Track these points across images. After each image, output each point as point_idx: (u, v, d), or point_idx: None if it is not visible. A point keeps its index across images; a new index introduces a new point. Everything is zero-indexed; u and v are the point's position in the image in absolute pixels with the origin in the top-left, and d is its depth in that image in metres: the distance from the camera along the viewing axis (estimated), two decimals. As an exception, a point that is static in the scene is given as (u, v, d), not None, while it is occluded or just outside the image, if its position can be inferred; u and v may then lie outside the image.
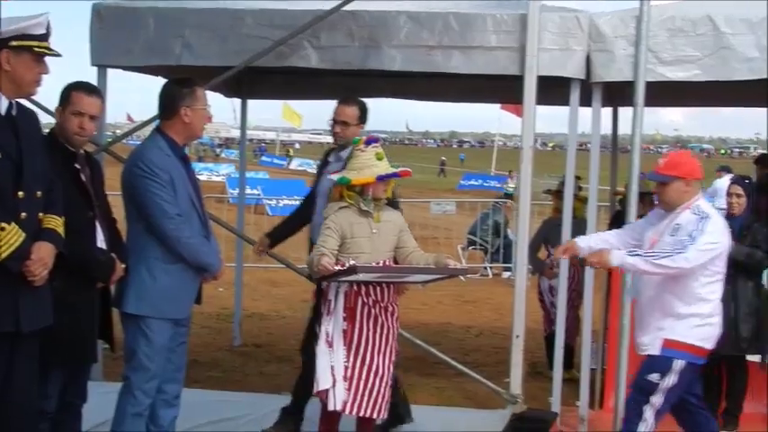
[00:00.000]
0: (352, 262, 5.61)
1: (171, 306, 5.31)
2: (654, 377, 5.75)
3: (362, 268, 5.57)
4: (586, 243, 6.12)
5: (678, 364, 5.74)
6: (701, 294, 5.74)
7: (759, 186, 9.83)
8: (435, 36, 7.16)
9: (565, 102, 7.30)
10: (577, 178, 9.58)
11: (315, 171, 7.24)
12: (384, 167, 5.82)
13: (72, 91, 5.01)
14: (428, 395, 8.39)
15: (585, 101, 7.33)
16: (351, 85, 9.22)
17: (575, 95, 7.17)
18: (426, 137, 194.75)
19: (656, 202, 5.99)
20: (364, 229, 5.81)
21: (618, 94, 8.14)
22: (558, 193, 9.22)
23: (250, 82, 9.35)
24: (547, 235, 9.31)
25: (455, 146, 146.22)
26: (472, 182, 49.34)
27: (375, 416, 5.92)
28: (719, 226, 5.75)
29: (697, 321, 5.75)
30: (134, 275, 5.16)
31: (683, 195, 5.80)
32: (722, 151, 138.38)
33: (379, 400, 5.86)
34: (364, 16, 7.27)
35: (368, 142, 5.86)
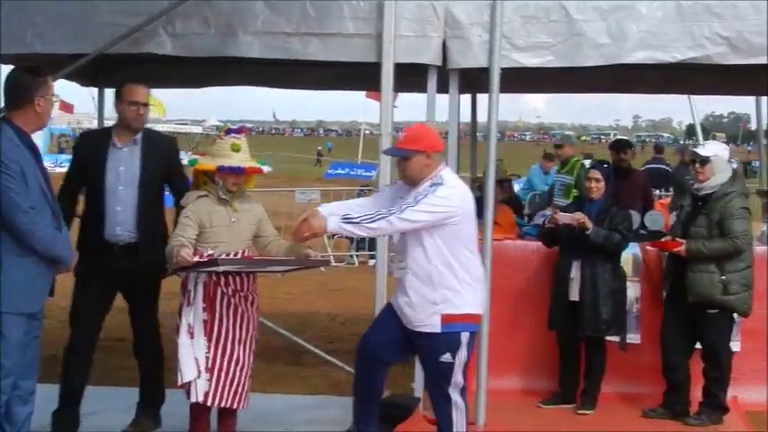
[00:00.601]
0: (210, 252, 5.56)
1: (24, 300, 5.16)
2: (447, 357, 5.66)
3: (223, 261, 5.53)
4: (328, 211, 5.80)
5: (465, 336, 5.70)
6: (464, 263, 5.67)
7: (615, 171, 10.13)
8: (293, 23, 7.12)
9: (424, 89, 7.33)
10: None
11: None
12: (238, 159, 5.75)
13: None
14: (294, 384, 8.39)
15: (445, 88, 7.38)
16: (211, 73, 9.13)
17: (432, 82, 7.20)
18: (293, 126, 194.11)
19: (403, 178, 5.82)
20: (223, 217, 5.76)
21: (476, 81, 8.23)
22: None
23: (108, 71, 9.12)
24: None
25: (322, 135, 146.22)
26: (339, 171, 49.38)
27: (236, 406, 5.90)
28: (451, 192, 5.63)
29: (469, 290, 5.69)
30: None
31: (425, 169, 5.69)
32: (583, 138, 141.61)
33: (240, 390, 5.85)
34: (220, 4, 7.18)
35: (228, 132, 5.81)
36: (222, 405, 5.83)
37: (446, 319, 5.64)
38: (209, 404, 5.79)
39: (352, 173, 46.94)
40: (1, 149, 5.10)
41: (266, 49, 7.17)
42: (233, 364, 5.81)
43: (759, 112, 11.54)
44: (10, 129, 5.21)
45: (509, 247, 8.36)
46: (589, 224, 7.50)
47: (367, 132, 64.30)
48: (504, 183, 10.29)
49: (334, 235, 17.90)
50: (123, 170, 6.39)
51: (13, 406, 5.32)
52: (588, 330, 7.64)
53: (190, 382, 5.73)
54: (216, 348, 5.78)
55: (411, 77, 7.26)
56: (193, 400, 5.76)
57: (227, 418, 6.02)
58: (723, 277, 7.29)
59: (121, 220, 6.35)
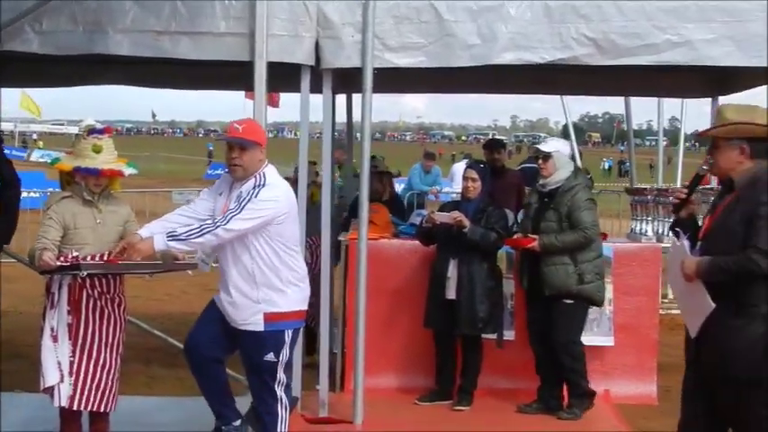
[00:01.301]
0: (75, 254, 5.45)
1: None
2: (270, 356, 5.69)
3: (86, 265, 5.43)
4: (149, 230, 5.73)
5: (288, 335, 5.75)
6: (287, 262, 5.71)
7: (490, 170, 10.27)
8: (163, 21, 7.00)
9: (298, 89, 7.30)
10: (313, 164, 9.67)
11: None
12: (99, 161, 5.65)
13: None
14: (171, 386, 8.30)
15: (320, 88, 7.36)
16: (85, 72, 8.95)
17: (305, 82, 7.17)
18: (173, 126, 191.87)
19: (233, 168, 5.76)
20: (87, 219, 5.66)
21: (352, 81, 8.24)
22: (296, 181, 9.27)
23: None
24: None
25: (202, 135, 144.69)
26: (219, 171, 48.90)
27: (103, 409, 5.80)
28: (275, 194, 5.65)
29: (292, 288, 5.74)
30: None
31: (258, 164, 5.72)
32: (462, 138, 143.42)
33: (107, 393, 5.77)
34: (88, 2, 7.02)
35: (91, 132, 5.69)
36: (88, 409, 5.75)
37: (269, 318, 5.67)
38: (74, 408, 5.69)
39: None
40: None
41: (136, 48, 7.03)
42: (99, 367, 5.72)
43: (628, 112, 11.83)
44: None
45: (385, 247, 8.40)
46: (466, 223, 7.60)
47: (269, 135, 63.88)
48: (384, 176, 10.32)
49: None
50: None
51: None
52: (465, 329, 7.73)
53: (53, 387, 5.61)
54: (81, 352, 5.67)
55: (289, 77, 7.24)
56: (56, 404, 5.66)
57: (98, 421, 5.93)
58: (577, 267, 7.49)
59: None
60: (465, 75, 8.19)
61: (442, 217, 7.74)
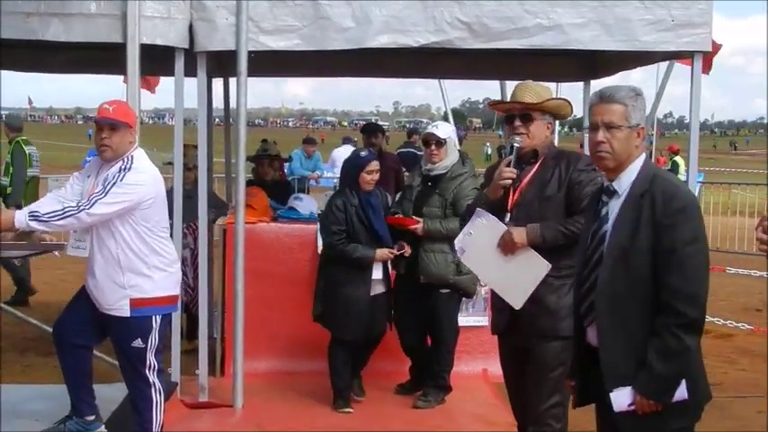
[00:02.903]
0: None
1: None
2: (138, 343, 5.68)
3: None
4: (28, 208, 5.66)
5: (156, 320, 5.74)
6: (154, 247, 5.70)
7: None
8: (32, 2, 6.85)
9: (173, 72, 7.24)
10: (194, 148, 9.59)
11: None
12: None
13: None
14: (48, 374, 8.16)
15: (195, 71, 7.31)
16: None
17: (179, 65, 7.10)
18: (51, 113, 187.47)
19: (101, 149, 5.69)
20: None
21: (229, 65, 8.19)
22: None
23: None
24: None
25: (80, 122, 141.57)
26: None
27: None
28: (141, 178, 5.62)
29: (159, 274, 5.73)
30: None
31: (127, 145, 5.69)
32: (344, 123, 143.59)
33: None
34: (-47, -18, 6.83)
35: None
36: None
37: (135, 304, 5.65)
38: None
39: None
40: None
41: (5, 30, 6.85)
42: None
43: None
44: None
45: (264, 230, 8.38)
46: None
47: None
48: (275, 161, 10.34)
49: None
50: None
51: None
52: None
53: None
54: None
55: (165, 61, 7.17)
56: None
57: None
58: (455, 257, 7.50)
59: None
60: (346, 59, 8.23)
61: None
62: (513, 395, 5.45)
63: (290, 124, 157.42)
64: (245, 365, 7.46)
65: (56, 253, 6.47)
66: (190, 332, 8.99)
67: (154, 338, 5.69)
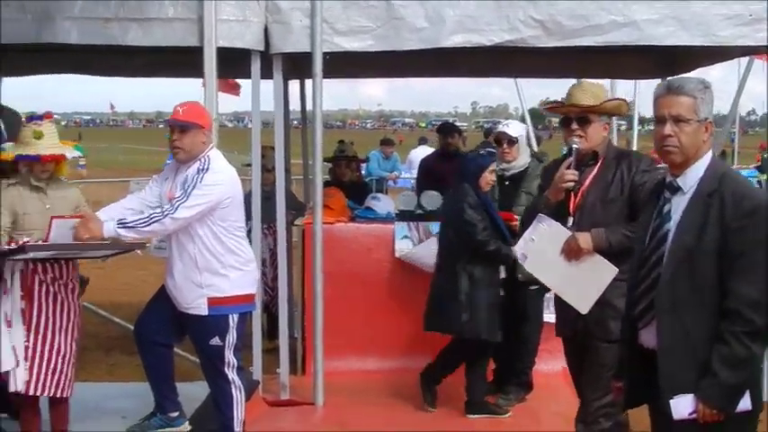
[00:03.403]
0: (26, 239, 5.46)
1: None
2: (216, 341, 5.77)
3: (32, 247, 5.44)
4: (107, 215, 5.87)
5: (233, 319, 5.82)
6: (230, 247, 5.79)
7: (441, 154, 10.37)
8: (111, 8, 6.98)
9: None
10: (271, 149, 9.69)
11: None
12: (41, 147, 5.66)
13: None
14: (131, 373, 8.34)
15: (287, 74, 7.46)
16: (32, 62, 8.92)
17: (255, 67, 7.20)
18: (132, 117, 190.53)
19: (174, 151, 5.86)
20: (36, 204, 5.69)
21: (306, 67, 8.27)
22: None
23: None
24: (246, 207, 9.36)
25: (161, 126, 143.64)
26: (178, 161, 48.63)
27: (59, 394, 5.82)
28: (220, 178, 5.74)
29: (235, 272, 5.82)
30: None
31: (201, 146, 5.80)
32: (422, 124, 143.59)
33: (62, 379, 5.80)
34: (37, -11, 6.99)
35: (30, 119, 5.71)
36: (44, 394, 5.78)
37: (212, 303, 5.75)
38: (30, 393, 5.71)
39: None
40: None
41: (85, 36, 7.00)
42: (54, 352, 5.74)
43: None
44: None
45: (341, 230, 8.45)
46: None
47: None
48: (351, 161, 10.43)
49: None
50: None
51: None
52: None
53: (8, 372, 5.63)
54: (35, 337, 5.70)
55: (235, 62, 7.26)
56: (12, 389, 5.68)
57: (56, 406, 5.95)
58: None
59: None
60: (421, 58, 8.24)
61: None
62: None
63: (368, 126, 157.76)
64: (326, 364, 7.53)
65: (138, 251, 6.60)
66: (271, 332, 9.10)
67: (231, 336, 5.78)
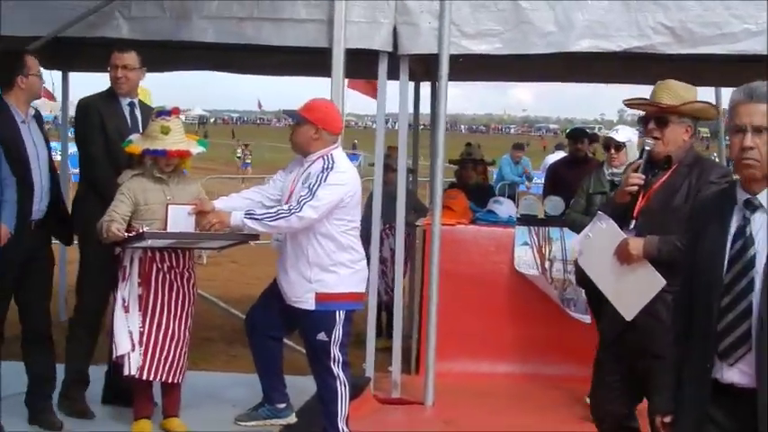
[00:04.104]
0: (145, 228, 5.64)
1: None
2: (322, 336, 5.81)
3: (151, 234, 5.61)
4: (225, 204, 6.02)
5: (339, 315, 5.84)
6: (342, 243, 5.82)
7: (570, 160, 10.28)
8: (246, 8, 7.21)
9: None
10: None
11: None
12: (168, 142, 5.82)
13: None
14: (250, 364, 8.40)
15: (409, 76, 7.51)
16: (170, 58, 9.20)
17: (383, 68, 7.30)
18: (278, 116, 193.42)
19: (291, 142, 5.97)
20: (158, 196, 5.85)
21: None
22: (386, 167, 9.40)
23: (70, 54, 9.20)
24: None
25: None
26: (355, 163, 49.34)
27: (171, 380, 5.98)
28: (343, 178, 5.77)
29: (345, 270, 5.84)
30: None
31: (311, 142, 5.81)
32: (567, 131, 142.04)
33: (176, 364, 5.94)
34: (175, -12, 7.24)
35: (158, 114, 5.88)
36: (157, 379, 5.93)
37: (321, 298, 5.80)
38: (144, 378, 5.87)
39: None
40: None
41: (220, 34, 7.26)
42: (168, 338, 5.89)
43: (719, 104, 11.62)
44: None
45: (461, 232, 8.48)
46: None
47: (352, 123, 64.30)
48: (478, 164, 10.47)
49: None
50: None
51: None
52: None
53: (124, 356, 5.82)
54: (151, 323, 5.86)
55: (363, 64, 7.38)
56: (126, 373, 5.85)
57: (169, 392, 6.11)
58: None
59: None
60: (552, 62, 8.19)
61: None
62: (601, 402, 5.17)
63: (512, 131, 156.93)
64: (440, 365, 7.58)
65: (251, 243, 6.75)
66: (390, 330, 9.17)
67: (338, 332, 5.83)
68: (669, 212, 4.80)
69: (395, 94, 7.59)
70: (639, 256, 4.80)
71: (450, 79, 7.23)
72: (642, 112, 5.11)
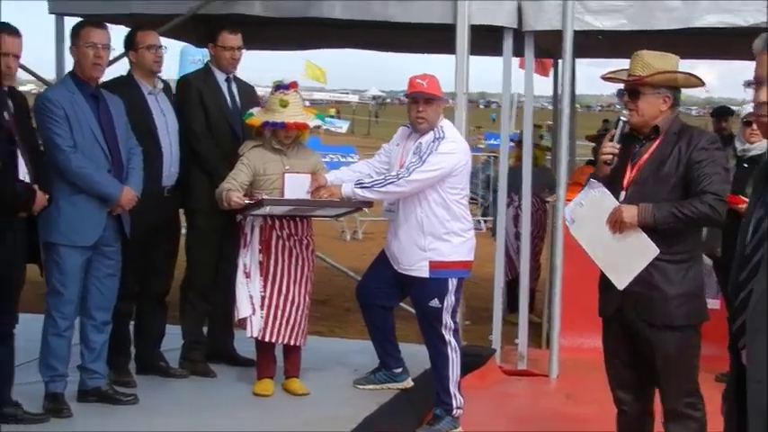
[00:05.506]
0: (264, 196, 5.92)
1: (75, 233, 5.58)
2: (435, 303, 5.96)
3: (269, 201, 5.88)
4: (336, 177, 6.23)
5: (452, 283, 5.98)
6: (455, 212, 5.95)
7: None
8: (369, -16, 7.35)
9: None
10: (538, 127, 9.85)
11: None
12: (286, 114, 6.05)
13: None
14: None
15: (539, 53, 7.70)
16: (305, 36, 9.47)
17: (507, 45, 7.39)
18: (454, 98, 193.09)
19: (418, 121, 6.02)
20: (277, 166, 6.11)
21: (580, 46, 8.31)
22: (519, 143, 9.49)
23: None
24: (510, 182, 9.57)
25: (482, 106, 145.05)
26: (492, 141, 49.09)
27: (292, 342, 6.24)
28: (454, 147, 5.92)
29: (457, 239, 5.97)
30: (49, 206, 5.42)
31: (438, 117, 6.01)
32: (712, 110, 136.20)
33: (296, 327, 6.20)
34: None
35: (277, 88, 6.14)
36: (278, 341, 6.21)
37: (434, 266, 5.96)
38: (266, 340, 6.16)
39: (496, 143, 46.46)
40: (49, 95, 5.66)
41: (348, 11, 7.46)
42: (288, 302, 6.15)
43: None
44: (70, 79, 5.77)
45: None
46: None
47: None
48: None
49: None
50: None
51: (89, 333, 5.86)
52: None
53: (245, 319, 6.13)
54: (272, 287, 6.13)
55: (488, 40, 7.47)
56: (249, 335, 6.16)
57: (290, 354, 6.40)
58: None
59: None
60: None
61: None
62: (615, 375, 5.14)
63: (693, 113, 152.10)
64: (570, 340, 7.68)
65: (365, 210, 6.96)
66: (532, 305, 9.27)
67: (450, 300, 6.00)
68: (660, 181, 4.76)
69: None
70: (633, 224, 4.72)
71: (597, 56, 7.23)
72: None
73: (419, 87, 6.00)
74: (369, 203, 6.28)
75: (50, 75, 8.85)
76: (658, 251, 4.71)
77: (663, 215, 4.70)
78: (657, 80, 4.84)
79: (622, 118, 4.91)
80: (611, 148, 4.84)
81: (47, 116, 5.53)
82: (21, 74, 9.16)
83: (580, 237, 5.12)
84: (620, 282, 4.85)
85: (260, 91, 7.21)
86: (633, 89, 4.87)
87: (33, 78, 9.35)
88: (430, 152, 5.85)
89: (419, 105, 5.99)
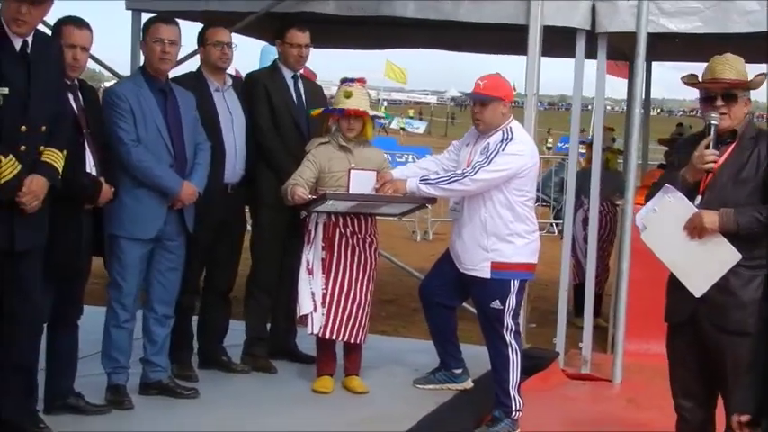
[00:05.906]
0: (328, 191, 5.95)
1: (135, 226, 5.67)
2: (496, 304, 5.91)
3: (332, 195, 5.91)
4: (401, 173, 6.23)
5: (514, 284, 5.93)
6: (519, 214, 5.90)
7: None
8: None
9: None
10: (611, 130, 9.75)
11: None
12: (348, 104, 6.09)
13: (62, 25, 5.31)
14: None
15: (614, 55, 7.63)
16: (377, 36, 9.48)
17: (580, 47, 7.32)
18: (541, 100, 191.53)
19: (475, 123, 6.04)
20: (342, 163, 6.14)
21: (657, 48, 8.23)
22: (590, 146, 9.41)
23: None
24: (580, 185, 9.50)
25: (563, 109, 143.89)
26: (565, 145, 48.79)
27: (353, 340, 6.26)
28: (521, 148, 5.87)
29: (520, 240, 5.92)
30: (114, 199, 5.49)
31: (500, 118, 5.92)
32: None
33: (357, 325, 6.21)
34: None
35: (343, 81, 6.19)
36: (338, 338, 6.23)
37: (496, 267, 5.91)
38: (326, 337, 6.19)
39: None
40: (116, 89, 5.78)
41: (420, 10, 7.46)
42: (349, 300, 6.17)
43: None
44: (140, 73, 5.89)
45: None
46: None
47: (608, 108, 62.89)
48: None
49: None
50: None
51: (151, 326, 5.96)
52: None
53: (306, 316, 6.16)
54: (333, 285, 6.15)
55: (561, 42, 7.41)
56: (310, 332, 6.20)
57: (351, 351, 6.42)
58: None
59: None
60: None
61: None
62: (678, 382, 5.03)
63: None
64: (636, 345, 7.59)
65: (428, 206, 6.94)
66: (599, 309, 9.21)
67: (511, 301, 5.96)
68: (738, 185, 4.69)
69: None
70: (714, 230, 4.64)
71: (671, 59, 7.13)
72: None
73: (476, 89, 6.00)
74: (432, 200, 6.26)
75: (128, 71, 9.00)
76: (740, 257, 4.63)
77: (746, 220, 4.62)
78: (757, 83, 4.84)
79: (713, 122, 4.79)
80: (711, 155, 4.72)
81: (113, 110, 5.62)
82: (103, 70, 9.39)
83: (653, 243, 5.04)
84: (698, 288, 4.76)
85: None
86: (731, 93, 4.79)
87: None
88: (497, 152, 5.82)
89: (475, 107, 6.00)
